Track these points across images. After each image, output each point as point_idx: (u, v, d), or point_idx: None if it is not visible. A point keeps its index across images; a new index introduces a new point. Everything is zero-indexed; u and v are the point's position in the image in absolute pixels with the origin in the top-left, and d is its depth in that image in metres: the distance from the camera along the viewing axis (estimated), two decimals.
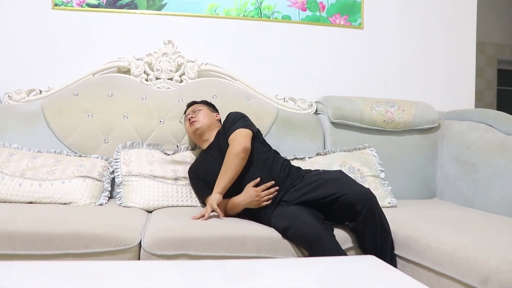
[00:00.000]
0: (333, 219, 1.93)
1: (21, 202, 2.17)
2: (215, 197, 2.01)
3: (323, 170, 2.16)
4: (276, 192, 2.01)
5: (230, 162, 2.06)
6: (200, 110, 2.40)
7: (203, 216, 1.93)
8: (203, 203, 2.25)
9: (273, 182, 2.02)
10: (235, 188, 2.08)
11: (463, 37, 3.32)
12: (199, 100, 2.55)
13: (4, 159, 2.29)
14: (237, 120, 2.24)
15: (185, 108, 2.52)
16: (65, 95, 2.62)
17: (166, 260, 1.70)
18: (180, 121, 2.52)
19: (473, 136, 2.58)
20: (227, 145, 2.14)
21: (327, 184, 1.92)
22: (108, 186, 2.38)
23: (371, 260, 1.33)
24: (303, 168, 2.29)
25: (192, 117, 2.37)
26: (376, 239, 1.80)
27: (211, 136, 2.36)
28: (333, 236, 1.77)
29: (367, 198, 1.82)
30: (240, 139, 2.10)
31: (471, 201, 2.47)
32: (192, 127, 2.35)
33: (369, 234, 1.81)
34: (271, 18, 3.03)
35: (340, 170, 2.12)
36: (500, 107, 6.05)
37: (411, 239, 1.77)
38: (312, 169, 2.21)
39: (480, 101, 5.88)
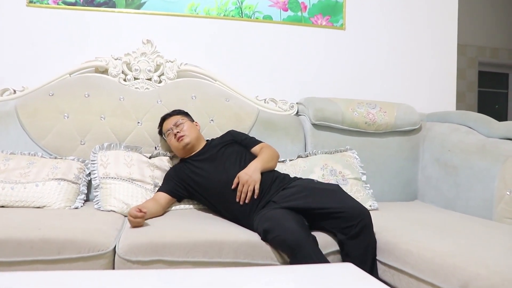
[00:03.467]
0: (319, 226, 1.91)
1: None
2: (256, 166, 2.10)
3: (317, 181, 2.17)
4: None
5: (272, 154, 2.25)
6: (182, 123, 2.34)
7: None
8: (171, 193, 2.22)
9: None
10: (225, 187, 2.08)
11: (445, 39, 3.33)
12: (178, 100, 2.53)
13: None
14: (248, 135, 2.45)
15: (161, 117, 2.47)
16: (40, 95, 2.55)
17: (140, 269, 1.65)
18: (163, 137, 2.46)
19: (454, 139, 2.58)
20: (231, 153, 2.25)
21: (323, 195, 1.92)
22: (84, 189, 2.32)
23: (348, 268, 1.30)
24: (285, 171, 2.32)
25: (178, 132, 2.30)
26: (365, 256, 1.80)
27: (199, 147, 2.34)
28: (316, 243, 1.74)
29: (364, 215, 1.83)
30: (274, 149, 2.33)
31: (452, 203, 2.46)
32: (182, 143, 2.28)
33: (357, 249, 1.80)
34: (252, 18, 2.99)
35: (337, 184, 2.12)
36: (481, 109, 6.10)
37: (392, 244, 1.75)
38: (303, 178, 2.22)
39: (461, 103, 5.92)
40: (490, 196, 2.19)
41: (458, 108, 5.85)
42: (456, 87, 5.75)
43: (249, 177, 2.01)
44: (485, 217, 2.18)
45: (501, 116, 6.42)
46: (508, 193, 2.09)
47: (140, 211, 1.83)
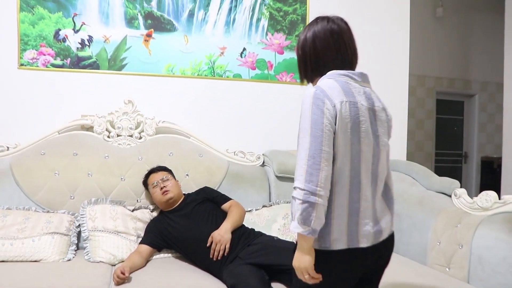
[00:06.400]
0: (278, 278, 2.25)
1: None
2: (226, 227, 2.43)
3: (277, 238, 2.52)
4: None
5: (240, 213, 2.59)
6: (168, 179, 2.69)
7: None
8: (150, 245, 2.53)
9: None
10: (198, 242, 2.42)
11: (399, 91, 3.73)
12: (157, 157, 2.87)
13: None
14: (219, 193, 2.79)
15: (147, 170, 2.80)
16: (33, 154, 2.83)
17: None
18: (147, 189, 2.78)
19: (400, 189, 2.94)
20: (205, 209, 2.61)
21: (281, 254, 2.23)
22: (74, 240, 2.61)
23: None
24: (251, 221, 2.71)
25: (164, 186, 2.64)
26: None
27: (178, 202, 2.68)
28: None
29: None
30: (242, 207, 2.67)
31: (396, 246, 2.76)
32: (166, 196, 2.62)
33: None
34: (223, 76, 3.34)
35: (294, 243, 2.46)
36: (438, 133, 6.57)
37: None
38: (266, 234, 2.57)
39: (420, 130, 6.39)
40: (425, 244, 2.57)
41: (417, 134, 6.31)
42: (416, 115, 6.21)
43: (221, 237, 2.35)
44: (421, 262, 2.56)
45: (457, 139, 6.91)
46: (438, 243, 2.47)
47: (123, 273, 2.16)
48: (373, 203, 1.53)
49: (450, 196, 2.65)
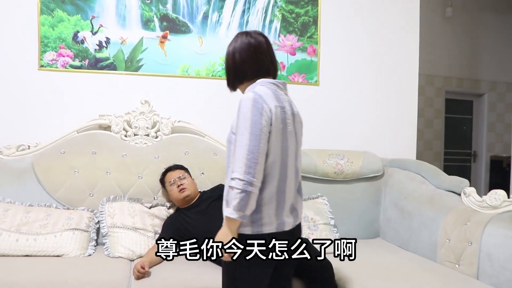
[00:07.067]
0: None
1: (18, 256, 2.46)
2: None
3: None
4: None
5: None
6: (185, 177, 2.79)
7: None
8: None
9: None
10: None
11: (408, 91, 3.79)
12: (173, 156, 2.95)
13: (0, 214, 2.60)
14: None
15: (163, 169, 2.89)
16: (53, 153, 2.93)
17: None
18: (164, 187, 2.87)
19: (409, 187, 3.02)
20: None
21: None
22: (94, 236, 2.71)
23: None
24: None
25: (181, 184, 2.74)
26: None
27: (194, 199, 2.77)
28: None
29: (327, 268, 2.25)
30: None
31: (406, 243, 2.90)
32: (183, 194, 2.73)
33: None
34: None
35: (307, 239, 2.52)
36: (447, 133, 6.60)
37: None
38: None
39: (429, 129, 6.43)
40: (435, 241, 2.64)
41: (427, 134, 6.36)
42: (425, 114, 6.25)
43: None
44: (431, 259, 2.62)
45: (466, 139, 6.94)
46: (447, 240, 2.54)
47: (143, 268, 2.25)
48: (294, 193, 1.80)
49: (459, 194, 2.71)
